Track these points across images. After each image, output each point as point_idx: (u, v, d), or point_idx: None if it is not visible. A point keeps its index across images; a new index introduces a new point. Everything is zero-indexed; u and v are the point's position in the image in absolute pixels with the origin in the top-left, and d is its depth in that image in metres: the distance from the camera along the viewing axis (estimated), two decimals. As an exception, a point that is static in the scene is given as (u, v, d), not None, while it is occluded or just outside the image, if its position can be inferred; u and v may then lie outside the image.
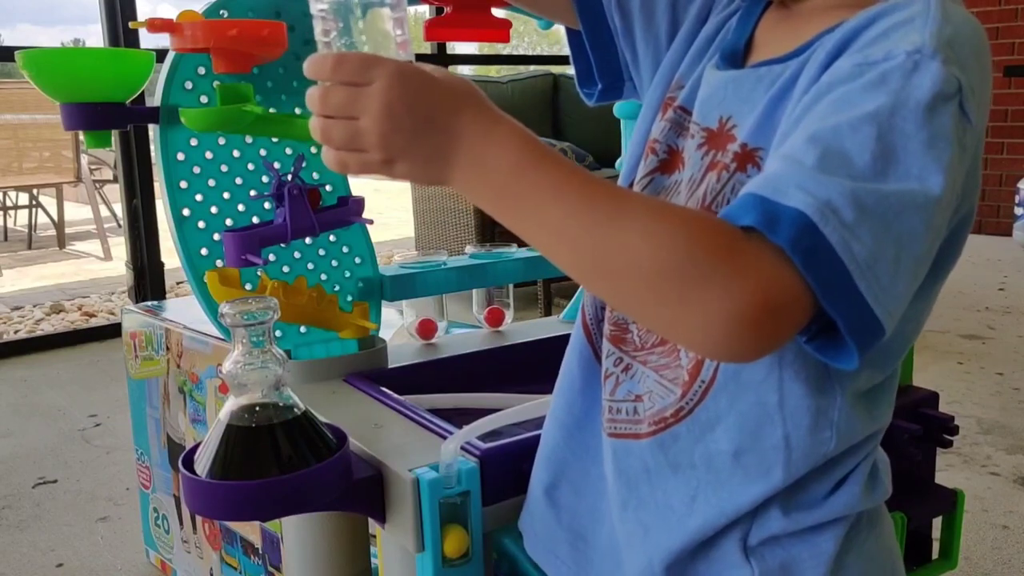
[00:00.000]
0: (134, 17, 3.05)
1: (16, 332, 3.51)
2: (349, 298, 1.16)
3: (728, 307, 0.49)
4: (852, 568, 0.65)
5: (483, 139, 0.56)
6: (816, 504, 0.64)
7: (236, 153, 1.07)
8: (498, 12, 1.21)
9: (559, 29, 1.33)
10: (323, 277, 1.14)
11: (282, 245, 1.07)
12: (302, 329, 1.11)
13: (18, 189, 5.26)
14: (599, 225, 0.52)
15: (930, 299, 0.63)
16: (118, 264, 4.48)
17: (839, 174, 0.50)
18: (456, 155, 0.56)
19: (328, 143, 0.57)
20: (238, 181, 1.08)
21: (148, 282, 3.21)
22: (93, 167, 5.57)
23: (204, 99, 1.04)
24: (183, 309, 1.53)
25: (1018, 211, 4.53)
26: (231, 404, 0.76)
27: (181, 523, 1.52)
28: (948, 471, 1.94)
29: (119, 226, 4.91)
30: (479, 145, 0.56)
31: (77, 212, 6.52)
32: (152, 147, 1.09)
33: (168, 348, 1.45)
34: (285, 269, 1.12)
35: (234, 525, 1.35)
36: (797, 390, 0.60)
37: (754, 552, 0.64)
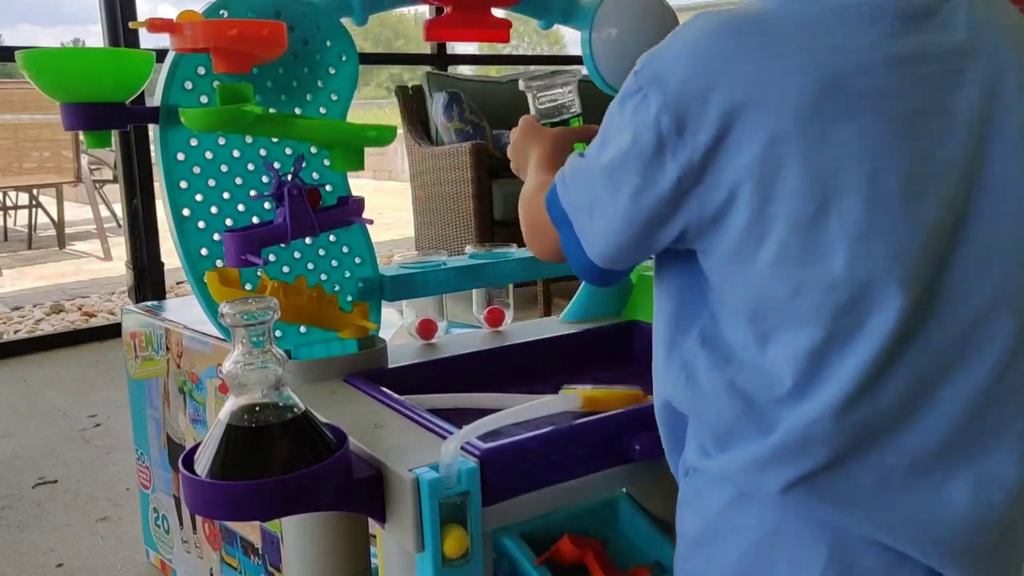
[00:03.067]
0: (134, 17, 3.05)
1: (16, 332, 3.51)
2: (349, 298, 1.16)
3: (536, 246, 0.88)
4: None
5: (534, 157, 1.00)
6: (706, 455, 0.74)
7: (236, 153, 1.07)
8: (498, 12, 1.21)
9: (559, 29, 1.33)
10: (323, 277, 1.14)
11: (282, 245, 1.08)
12: (302, 329, 1.11)
13: (18, 189, 5.26)
14: (525, 201, 0.91)
15: (750, 271, 0.67)
16: (118, 264, 4.48)
17: (587, 155, 0.76)
18: (527, 164, 1.01)
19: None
20: (238, 181, 1.08)
21: (148, 282, 3.21)
22: (93, 167, 5.57)
23: (204, 99, 1.04)
24: (183, 309, 1.53)
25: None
26: (231, 404, 0.76)
27: (181, 523, 1.52)
28: (948, 471, 1.93)
29: (119, 226, 4.91)
30: (530, 162, 1.01)
31: (77, 212, 6.52)
32: (152, 147, 1.09)
33: (168, 348, 1.45)
34: (285, 269, 1.12)
35: (234, 525, 1.35)
36: (661, 322, 0.78)
37: (687, 469, 0.77)
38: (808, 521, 0.69)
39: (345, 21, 1.13)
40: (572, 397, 0.99)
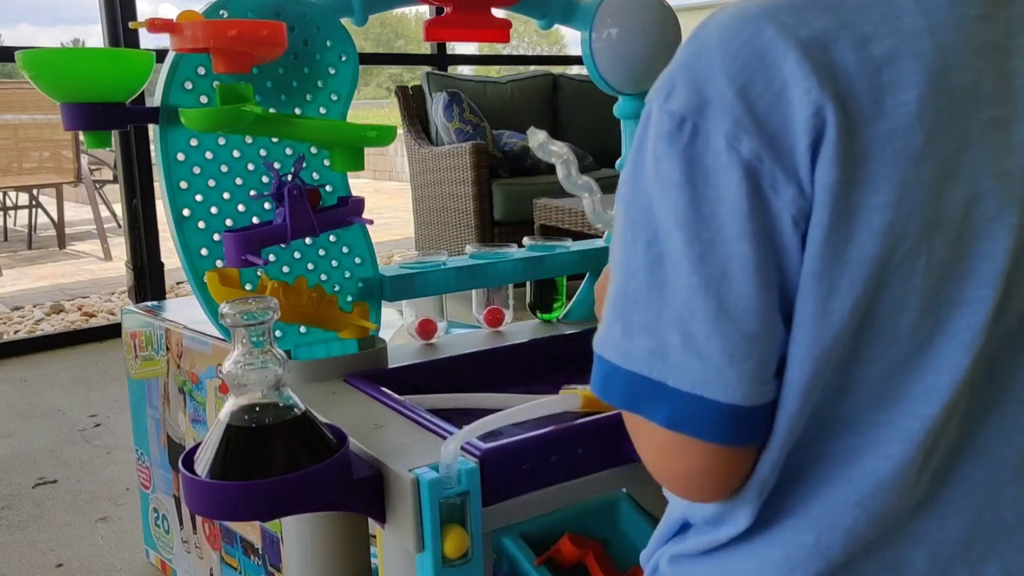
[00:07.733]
0: (134, 17, 3.05)
1: (16, 332, 3.51)
2: (349, 298, 1.16)
3: None
4: None
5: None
6: None
7: (236, 153, 1.07)
8: (498, 12, 1.21)
9: (559, 29, 1.33)
10: (323, 277, 1.14)
11: (282, 245, 1.07)
12: (302, 329, 1.11)
13: (18, 189, 5.26)
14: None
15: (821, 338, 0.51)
16: (118, 264, 4.49)
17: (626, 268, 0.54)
18: None
19: None
20: (238, 181, 1.08)
21: (148, 282, 3.21)
22: (93, 167, 5.57)
23: (204, 99, 1.04)
24: (183, 309, 1.53)
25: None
26: (231, 404, 0.76)
27: (181, 523, 1.52)
28: (948, 471, 1.93)
29: (119, 226, 4.91)
30: None
31: (77, 212, 6.53)
32: (152, 147, 1.09)
33: (168, 348, 1.45)
34: (285, 269, 1.12)
35: (234, 525, 1.35)
36: None
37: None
38: None
39: (345, 21, 1.13)
40: (572, 397, 0.99)
